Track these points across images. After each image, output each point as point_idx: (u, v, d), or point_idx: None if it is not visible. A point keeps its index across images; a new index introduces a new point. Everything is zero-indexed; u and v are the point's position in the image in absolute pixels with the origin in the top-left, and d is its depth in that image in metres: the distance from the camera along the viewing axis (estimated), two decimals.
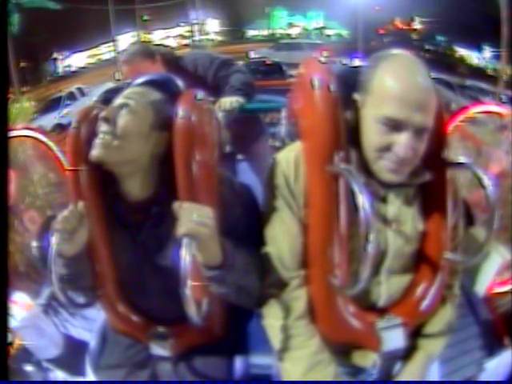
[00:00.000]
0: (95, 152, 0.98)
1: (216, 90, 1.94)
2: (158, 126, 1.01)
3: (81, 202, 0.99)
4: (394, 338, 1.03)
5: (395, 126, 0.91)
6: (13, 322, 1.48)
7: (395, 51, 0.99)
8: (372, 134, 0.95)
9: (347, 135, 0.97)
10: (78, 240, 1.00)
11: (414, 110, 0.90)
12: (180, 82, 1.11)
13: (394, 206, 1.02)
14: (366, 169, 0.98)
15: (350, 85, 0.99)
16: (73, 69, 21.16)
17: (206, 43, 21.74)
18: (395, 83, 0.91)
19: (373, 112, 0.94)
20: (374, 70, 0.96)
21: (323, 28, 23.43)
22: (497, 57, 15.81)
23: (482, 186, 0.96)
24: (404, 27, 22.02)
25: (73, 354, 1.59)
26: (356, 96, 0.98)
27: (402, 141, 0.92)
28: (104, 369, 1.19)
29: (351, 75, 1.03)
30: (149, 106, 1.02)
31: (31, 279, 2.17)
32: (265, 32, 23.82)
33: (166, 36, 22.22)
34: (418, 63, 0.95)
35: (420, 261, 1.07)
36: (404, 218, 1.03)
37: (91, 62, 21.60)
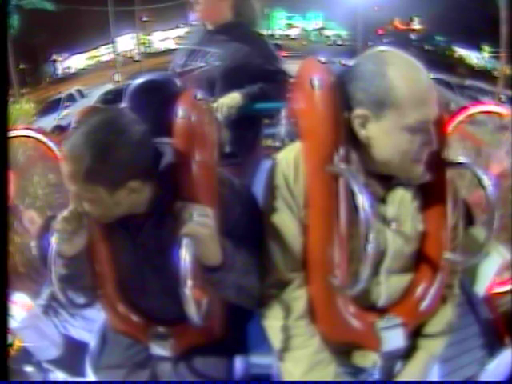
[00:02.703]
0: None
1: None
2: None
3: None
4: (394, 338, 1.03)
5: (423, 127, 0.92)
6: (13, 323, 1.48)
7: (385, 51, 0.97)
8: (402, 145, 0.93)
9: (346, 136, 0.97)
10: (77, 240, 1.00)
11: (432, 105, 0.93)
12: (179, 83, 1.11)
13: (394, 206, 1.02)
14: (366, 169, 0.98)
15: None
16: (72, 70, 21.16)
17: None
18: (413, 88, 0.91)
19: (400, 122, 0.92)
20: (383, 80, 0.92)
21: (322, 29, 23.44)
22: (496, 57, 15.83)
23: (481, 186, 0.96)
24: (403, 27, 22.03)
25: (73, 354, 1.59)
26: (361, 111, 0.95)
27: (431, 136, 0.94)
28: (104, 369, 1.19)
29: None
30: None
31: (31, 280, 2.17)
32: (264, 33, 23.81)
33: (165, 37, 22.21)
34: (409, 57, 0.96)
35: (420, 261, 1.07)
36: (403, 218, 1.03)
37: (90, 64, 21.60)
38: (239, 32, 1.84)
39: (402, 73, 0.92)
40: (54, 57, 20.61)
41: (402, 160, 0.95)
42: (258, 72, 1.81)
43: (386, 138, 0.95)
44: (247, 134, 1.85)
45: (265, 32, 23.26)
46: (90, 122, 0.92)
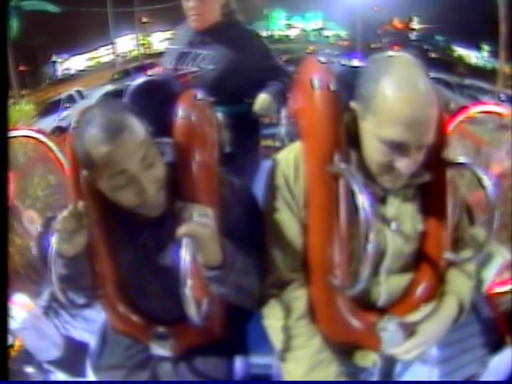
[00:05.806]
0: None
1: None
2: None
3: (81, 202, 0.99)
4: (394, 338, 1.03)
5: (399, 146, 0.90)
6: (13, 324, 1.48)
7: (395, 57, 0.94)
8: (374, 152, 0.94)
9: (346, 136, 0.97)
10: (77, 240, 0.99)
11: (420, 131, 0.89)
12: (178, 83, 1.11)
13: (394, 206, 1.02)
14: (365, 169, 0.98)
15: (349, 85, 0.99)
16: (72, 72, 21.17)
17: None
18: (400, 105, 0.87)
19: (376, 131, 0.92)
20: (375, 85, 0.91)
21: (322, 29, 23.45)
22: (495, 55, 15.83)
23: (481, 185, 0.96)
24: (402, 27, 22.03)
25: (73, 355, 1.59)
26: (354, 105, 0.96)
27: (406, 160, 0.91)
28: (104, 369, 1.19)
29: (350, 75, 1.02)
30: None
31: (31, 280, 2.17)
32: (263, 33, 23.83)
33: (164, 38, 22.22)
34: (419, 70, 0.91)
35: (420, 260, 1.07)
36: (403, 218, 1.03)
37: (90, 65, 21.62)
38: (231, 31, 1.77)
39: (396, 86, 0.89)
40: (54, 58, 20.64)
41: (371, 164, 0.96)
42: (256, 72, 1.76)
43: (366, 139, 0.96)
44: (247, 135, 1.83)
45: (264, 32, 23.34)
46: (104, 105, 0.95)
